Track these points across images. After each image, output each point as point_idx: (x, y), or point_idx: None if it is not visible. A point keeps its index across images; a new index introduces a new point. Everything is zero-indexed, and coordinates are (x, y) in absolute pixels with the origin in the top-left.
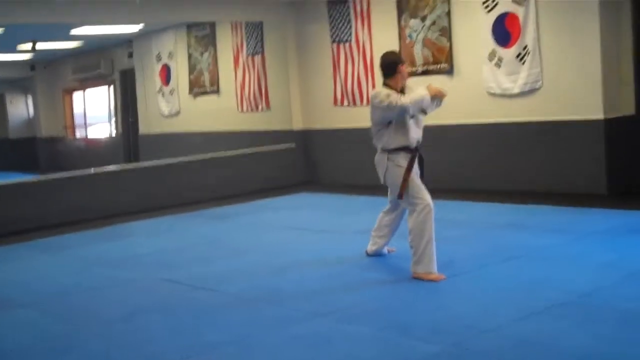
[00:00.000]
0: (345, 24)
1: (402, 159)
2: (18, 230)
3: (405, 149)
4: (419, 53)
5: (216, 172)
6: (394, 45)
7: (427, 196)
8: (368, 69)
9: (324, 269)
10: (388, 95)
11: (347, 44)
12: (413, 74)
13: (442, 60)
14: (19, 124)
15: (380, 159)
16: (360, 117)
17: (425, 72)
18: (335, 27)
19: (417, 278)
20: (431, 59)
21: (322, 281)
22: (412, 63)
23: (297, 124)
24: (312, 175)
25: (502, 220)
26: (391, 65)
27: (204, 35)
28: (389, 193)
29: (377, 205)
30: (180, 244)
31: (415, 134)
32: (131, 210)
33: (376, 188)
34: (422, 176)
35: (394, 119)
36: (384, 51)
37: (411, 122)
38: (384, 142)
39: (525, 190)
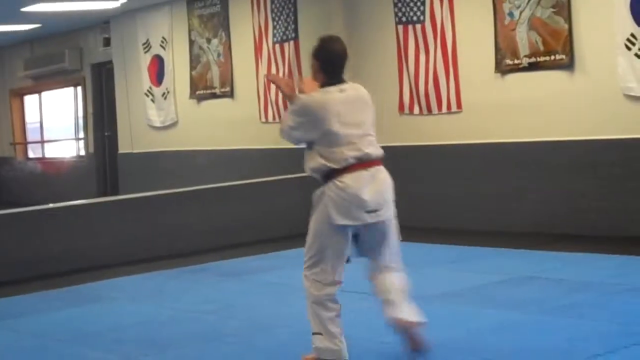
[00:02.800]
0: None
1: None
2: None
3: None
4: (523, 39)
5: (227, 208)
6: (486, 28)
7: None
8: (449, 61)
9: (387, 354)
10: None
11: (418, 26)
12: (515, 68)
13: (557, 49)
14: None
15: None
16: (439, 130)
17: (532, 67)
18: (401, 3)
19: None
20: (542, 48)
21: None
22: (514, 54)
23: None
24: None
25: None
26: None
27: (212, 14)
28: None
29: (458, 257)
30: (174, 313)
31: None
32: (106, 262)
33: (458, 232)
34: None
35: None
36: (470, 35)
37: None
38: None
39: None
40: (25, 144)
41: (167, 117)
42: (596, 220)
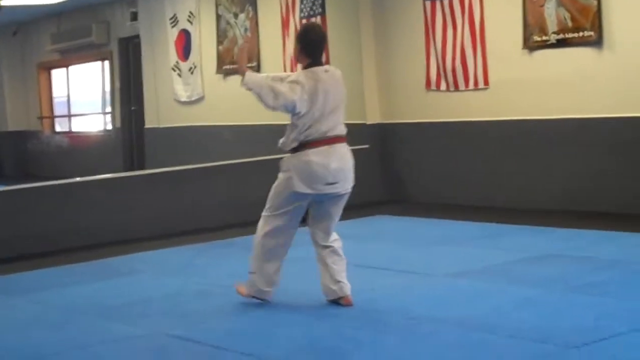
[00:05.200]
0: None
1: None
2: None
3: None
4: (551, 15)
5: (255, 183)
6: (514, 4)
7: None
8: (477, 37)
9: (407, 331)
10: None
11: (446, 2)
12: (543, 45)
13: (585, 26)
14: None
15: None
16: (465, 107)
17: (561, 43)
18: None
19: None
20: (570, 24)
21: (409, 349)
22: (542, 30)
23: (373, 116)
24: (394, 190)
25: None
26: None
27: None
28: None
29: (484, 234)
30: (201, 287)
31: None
32: (134, 236)
33: (485, 209)
34: None
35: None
36: (498, 11)
37: None
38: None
39: None
40: (52, 118)
41: (193, 92)
42: (623, 198)
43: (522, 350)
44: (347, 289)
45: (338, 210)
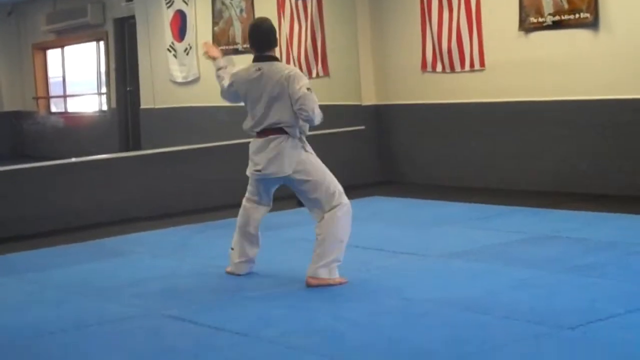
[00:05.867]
0: None
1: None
2: None
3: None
4: None
5: (240, 163)
6: None
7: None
8: (473, 18)
9: (402, 312)
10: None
11: None
12: (539, 26)
13: (582, 8)
14: None
15: (291, 145)
16: (461, 88)
17: (556, 25)
18: None
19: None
20: (566, 6)
21: (404, 329)
22: (538, 11)
23: (369, 98)
24: (389, 172)
25: None
26: (275, 34)
27: None
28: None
29: (480, 215)
30: (196, 267)
31: None
32: (128, 216)
33: (480, 191)
34: None
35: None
36: None
37: None
38: (296, 123)
39: None
40: (47, 98)
41: (189, 73)
42: (619, 180)
43: (517, 331)
44: (310, 269)
45: (303, 192)
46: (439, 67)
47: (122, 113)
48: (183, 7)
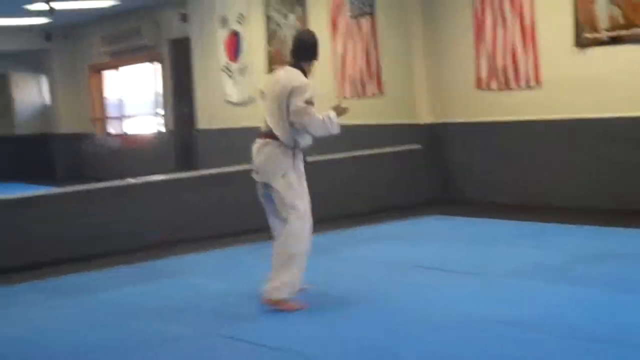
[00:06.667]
0: None
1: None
2: (23, 265)
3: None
4: (602, 12)
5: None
6: (565, 1)
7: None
8: (527, 35)
9: (460, 331)
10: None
11: (496, 1)
12: (595, 42)
13: (638, 23)
14: (28, 116)
15: (282, 152)
16: (517, 106)
17: (613, 41)
18: None
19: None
20: (622, 21)
21: (461, 347)
22: (594, 27)
23: (424, 116)
24: (445, 190)
25: None
26: (316, 47)
27: None
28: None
29: (536, 233)
30: (252, 287)
31: None
32: (183, 237)
33: (537, 208)
34: None
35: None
36: (548, 9)
37: None
38: (296, 136)
39: None
40: (104, 119)
41: (244, 94)
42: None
43: (577, 351)
44: (263, 288)
45: (276, 202)
46: (493, 85)
47: (178, 134)
48: (237, 27)
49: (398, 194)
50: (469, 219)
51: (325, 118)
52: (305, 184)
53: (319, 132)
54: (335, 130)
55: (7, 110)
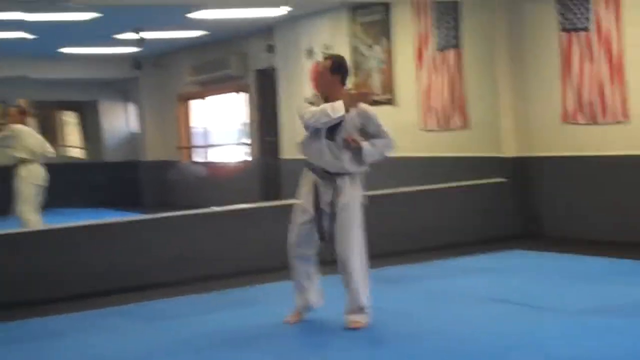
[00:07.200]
0: (581, 6)
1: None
2: (110, 289)
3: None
4: None
5: (387, 216)
6: None
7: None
8: (615, 69)
9: None
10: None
11: (582, 34)
12: None
13: None
14: (116, 143)
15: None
16: (604, 140)
17: None
18: (566, 10)
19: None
20: None
21: None
22: None
23: (509, 149)
24: (531, 225)
25: None
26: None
27: (373, 21)
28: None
29: (622, 270)
30: (328, 317)
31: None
32: (267, 265)
33: (623, 245)
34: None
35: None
36: (636, 43)
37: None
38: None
39: None
40: (190, 148)
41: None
42: None
43: None
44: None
45: None
46: (580, 119)
47: (263, 163)
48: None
49: (481, 227)
50: (552, 254)
51: (322, 108)
52: (303, 199)
53: (312, 121)
54: (337, 114)
55: (96, 137)
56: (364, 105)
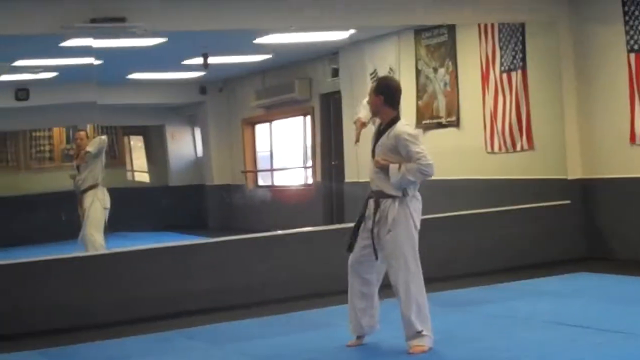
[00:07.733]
0: None
1: None
2: (174, 312)
3: None
4: None
5: (450, 238)
6: None
7: None
8: None
9: None
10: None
11: None
12: None
13: None
14: (182, 167)
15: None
16: None
17: None
18: (633, 30)
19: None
20: None
21: None
22: None
23: (575, 171)
24: (596, 247)
25: None
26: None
27: (438, 44)
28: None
29: None
30: (393, 341)
31: None
32: (331, 288)
33: None
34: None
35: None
36: None
37: None
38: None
39: None
40: (255, 171)
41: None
42: None
43: None
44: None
45: None
46: None
47: (327, 186)
48: None
49: (545, 249)
50: (618, 276)
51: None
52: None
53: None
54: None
55: (162, 161)
56: (399, 127)
